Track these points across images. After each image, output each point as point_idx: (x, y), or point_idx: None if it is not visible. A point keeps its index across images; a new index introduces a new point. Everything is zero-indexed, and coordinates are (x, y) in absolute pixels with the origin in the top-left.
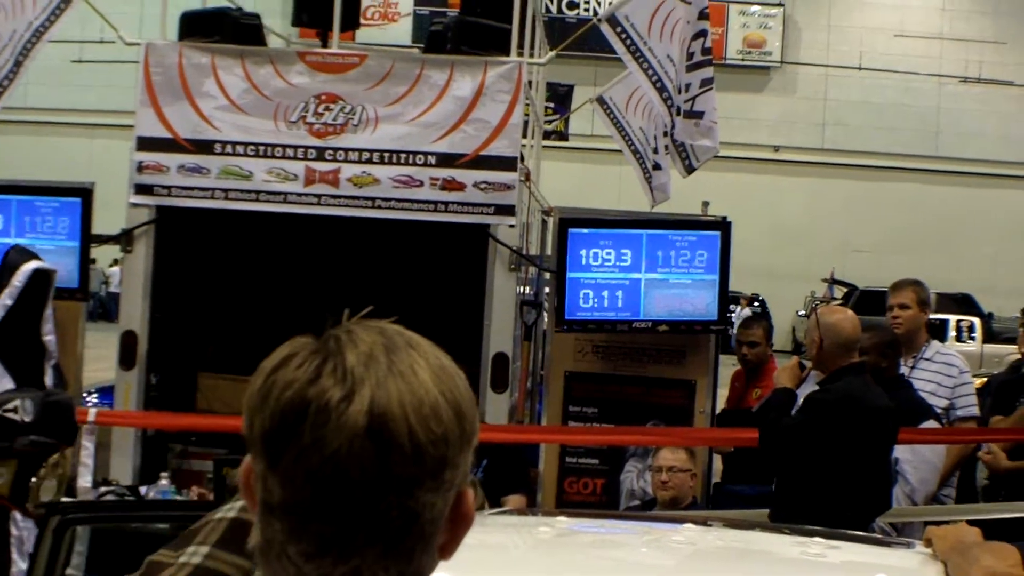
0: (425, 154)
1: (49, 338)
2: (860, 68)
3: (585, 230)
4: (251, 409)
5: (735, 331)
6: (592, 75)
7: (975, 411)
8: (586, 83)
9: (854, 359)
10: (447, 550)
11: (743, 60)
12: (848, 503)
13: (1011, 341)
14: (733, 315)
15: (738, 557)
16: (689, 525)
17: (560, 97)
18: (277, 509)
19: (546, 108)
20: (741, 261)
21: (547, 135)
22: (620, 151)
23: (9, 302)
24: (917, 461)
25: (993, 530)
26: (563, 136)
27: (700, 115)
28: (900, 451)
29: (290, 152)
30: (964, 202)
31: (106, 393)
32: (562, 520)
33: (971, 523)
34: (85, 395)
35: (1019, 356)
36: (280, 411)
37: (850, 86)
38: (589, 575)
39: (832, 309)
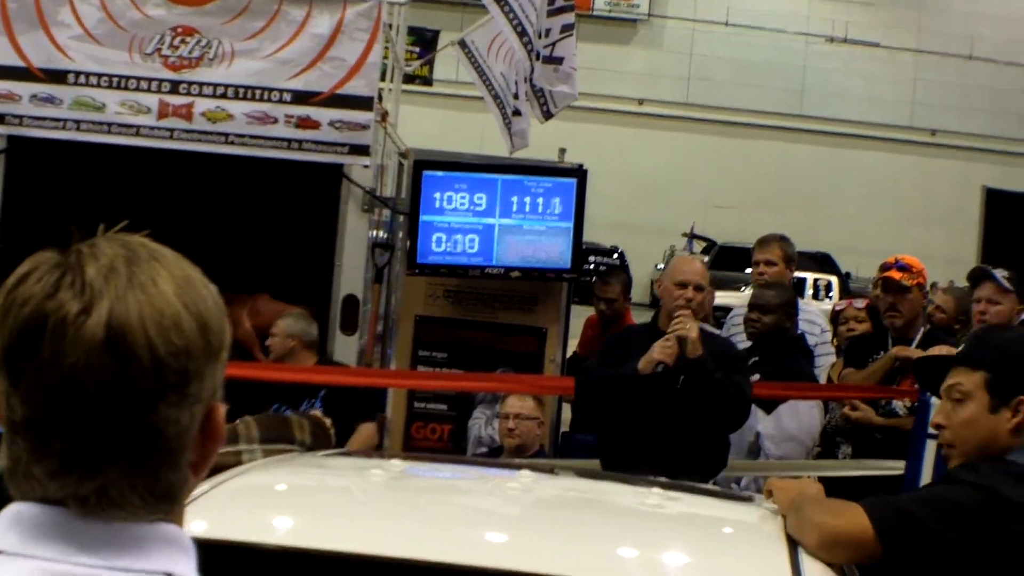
0: (280, 91)
1: None
2: (727, 24)
3: (439, 173)
4: None
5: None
6: (459, 21)
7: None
8: (452, 29)
9: None
10: (199, 467)
11: (610, 12)
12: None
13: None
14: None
15: (573, 505)
16: (526, 472)
17: (426, 42)
18: (20, 427)
19: (411, 53)
20: (601, 213)
21: (411, 80)
22: (483, 98)
23: None
24: (780, 437)
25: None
26: (427, 82)
27: (560, 61)
28: (764, 426)
29: (144, 85)
30: (827, 162)
31: None
32: (397, 463)
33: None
34: None
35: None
36: (19, 327)
37: (717, 42)
38: (421, 519)
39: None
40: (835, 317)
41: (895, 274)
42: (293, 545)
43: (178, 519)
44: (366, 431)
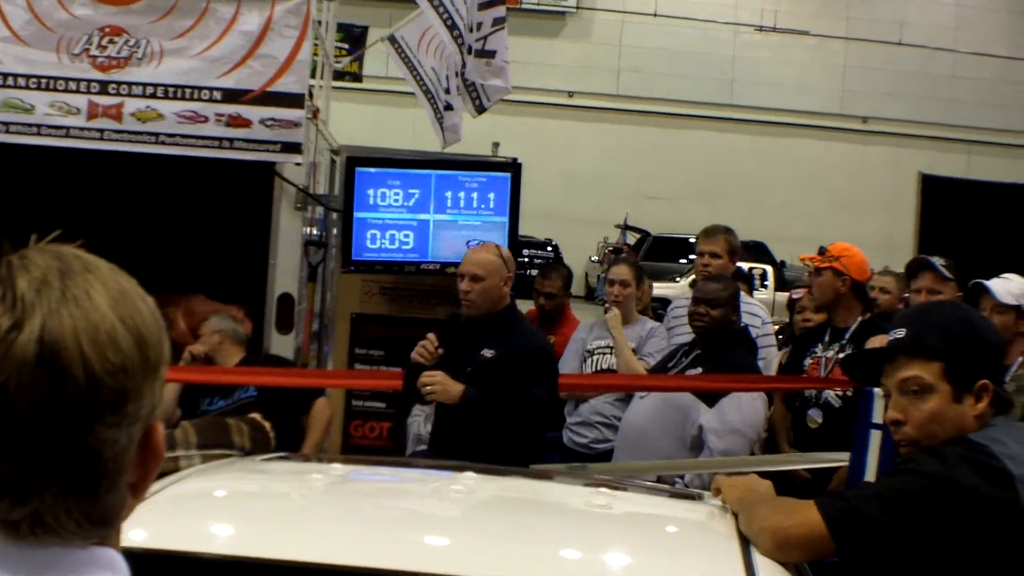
0: (211, 89)
1: None
2: (656, 15)
3: (373, 169)
4: None
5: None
6: (387, 17)
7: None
8: (381, 25)
9: None
10: (139, 488)
11: (539, 4)
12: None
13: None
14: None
15: (519, 507)
16: (470, 473)
17: (354, 38)
18: None
19: (340, 50)
20: (534, 205)
21: (341, 76)
22: (414, 93)
23: None
24: (723, 430)
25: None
26: (357, 78)
27: (492, 54)
28: (707, 419)
29: (73, 85)
30: (758, 151)
31: None
32: (338, 467)
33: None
34: None
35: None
36: None
37: (646, 33)
38: (366, 524)
39: None
40: (791, 305)
41: (814, 257)
42: (234, 554)
43: (115, 542)
44: (321, 405)
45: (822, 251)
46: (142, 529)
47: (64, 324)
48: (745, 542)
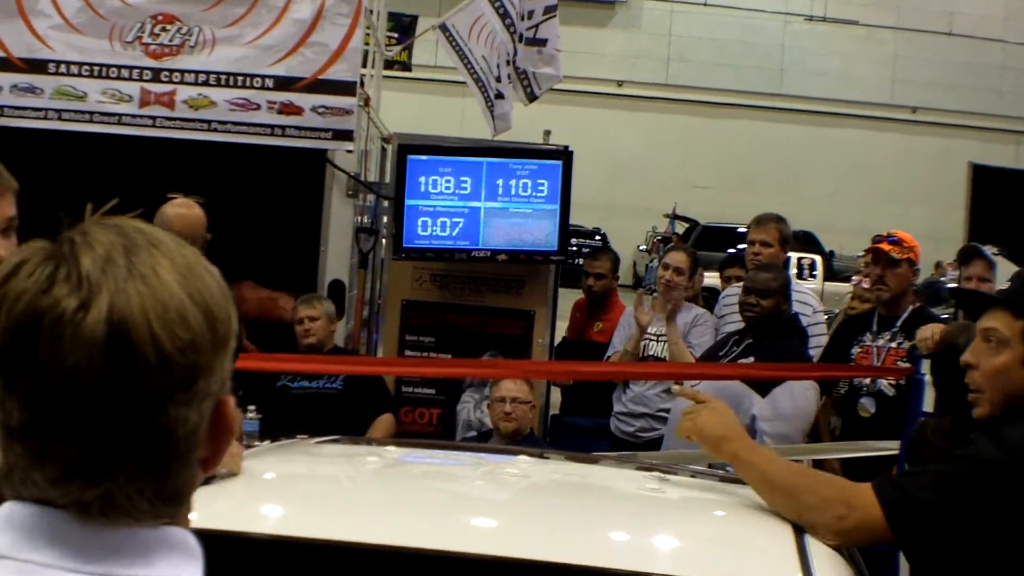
0: (263, 77)
1: None
2: (705, 4)
3: (424, 157)
4: None
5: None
6: (437, 6)
7: None
8: (431, 14)
9: None
10: (210, 464)
11: None
12: None
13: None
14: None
15: (573, 490)
16: (523, 457)
17: (404, 27)
18: (17, 432)
19: (389, 39)
20: (582, 195)
21: (390, 66)
22: (463, 82)
23: None
24: (775, 418)
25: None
26: (406, 67)
27: (543, 43)
28: (760, 408)
29: (125, 73)
30: (807, 140)
31: None
32: (392, 450)
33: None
34: None
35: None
36: (12, 326)
37: (695, 22)
38: (419, 508)
39: None
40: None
41: (885, 246)
42: (286, 534)
43: (184, 518)
44: (386, 421)
45: (892, 241)
46: (194, 510)
47: (132, 303)
48: (798, 527)
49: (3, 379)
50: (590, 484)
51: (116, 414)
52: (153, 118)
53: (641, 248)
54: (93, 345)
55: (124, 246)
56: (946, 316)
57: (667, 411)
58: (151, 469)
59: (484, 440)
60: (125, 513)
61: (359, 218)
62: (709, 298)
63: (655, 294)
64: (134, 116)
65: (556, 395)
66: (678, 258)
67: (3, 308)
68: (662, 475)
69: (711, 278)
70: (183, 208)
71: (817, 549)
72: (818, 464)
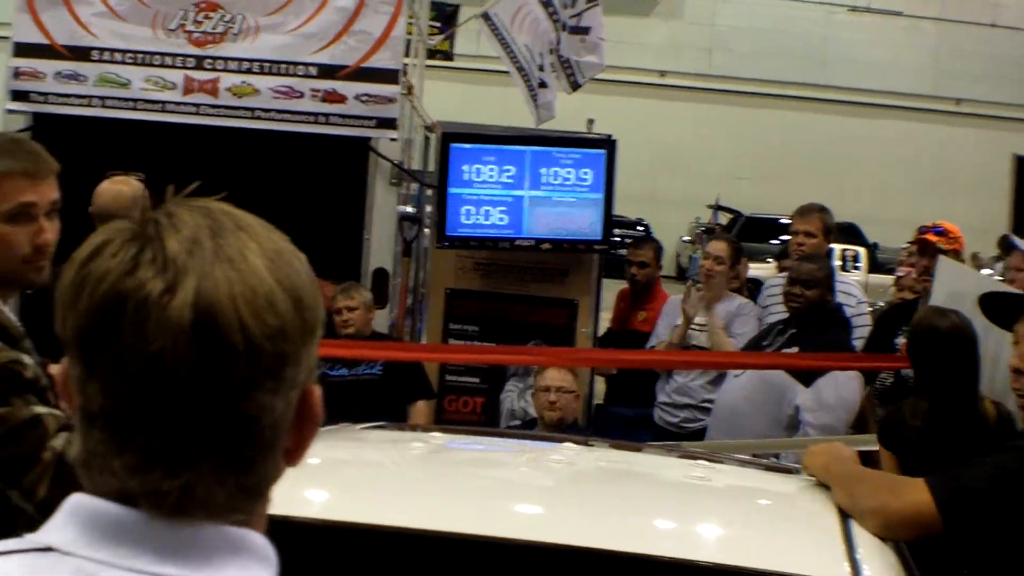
0: (306, 65)
1: None
2: None
3: (467, 145)
4: (64, 305)
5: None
6: None
7: None
8: (473, 3)
9: None
10: (294, 455)
11: None
12: None
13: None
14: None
15: (619, 478)
16: (569, 444)
17: (446, 16)
18: (98, 418)
19: (432, 28)
20: (624, 185)
21: (432, 55)
22: (505, 71)
23: None
24: (819, 409)
25: None
26: (448, 56)
27: (587, 31)
28: (804, 399)
29: (168, 60)
30: (850, 131)
31: None
32: (438, 436)
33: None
34: None
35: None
36: (95, 308)
37: (737, 12)
38: (465, 494)
39: None
40: (896, 284)
41: (932, 237)
42: (331, 519)
43: (261, 517)
44: (423, 409)
45: (938, 231)
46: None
47: (220, 287)
48: (844, 516)
49: (84, 363)
50: (636, 472)
51: (201, 401)
52: (197, 106)
53: (684, 239)
54: (179, 330)
55: (211, 228)
56: None
57: (711, 401)
58: (234, 459)
59: (528, 429)
60: (202, 506)
61: (403, 206)
62: (754, 289)
63: (699, 285)
64: (178, 104)
65: (600, 385)
66: (719, 247)
67: (85, 289)
68: (709, 463)
69: (756, 269)
70: (118, 184)
71: (863, 538)
72: (865, 455)
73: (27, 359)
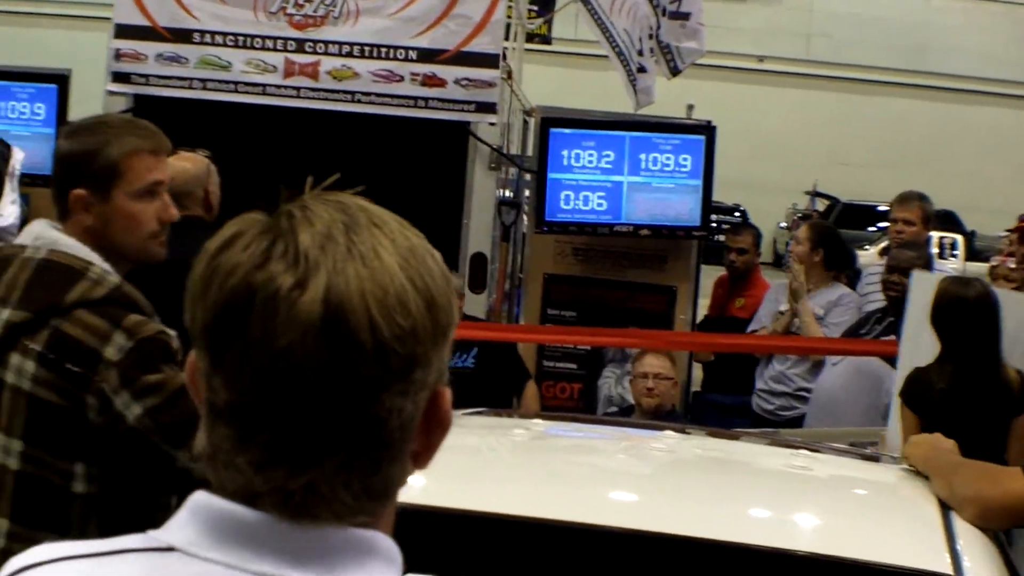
0: (406, 49)
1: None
2: None
3: (567, 130)
4: (192, 298)
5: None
6: None
7: None
8: None
9: None
10: (422, 458)
11: None
12: None
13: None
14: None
15: (718, 466)
16: (669, 432)
17: (544, 0)
18: (223, 412)
19: (530, 12)
20: (721, 171)
21: (530, 38)
22: (603, 55)
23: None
24: None
25: None
26: (546, 40)
27: (686, 16)
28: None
29: (269, 43)
30: (949, 118)
31: None
32: (538, 423)
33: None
34: None
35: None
36: (223, 300)
37: None
38: (565, 481)
39: None
40: (991, 273)
41: None
42: (430, 504)
43: (388, 519)
44: (533, 389)
45: None
46: None
47: (351, 284)
48: (944, 507)
49: (211, 356)
50: (734, 460)
51: (327, 400)
52: (297, 88)
53: (781, 225)
54: (308, 326)
55: (345, 223)
56: None
57: (807, 390)
58: (361, 460)
59: (625, 416)
60: (328, 507)
61: (501, 191)
62: (852, 276)
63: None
64: (278, 87)
65: (697, 371)
66: (800, 231)
67: (215, 281)
68: (810, 453)
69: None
70: (183, 161)
71: (963, 529)
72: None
73: (170, 331)
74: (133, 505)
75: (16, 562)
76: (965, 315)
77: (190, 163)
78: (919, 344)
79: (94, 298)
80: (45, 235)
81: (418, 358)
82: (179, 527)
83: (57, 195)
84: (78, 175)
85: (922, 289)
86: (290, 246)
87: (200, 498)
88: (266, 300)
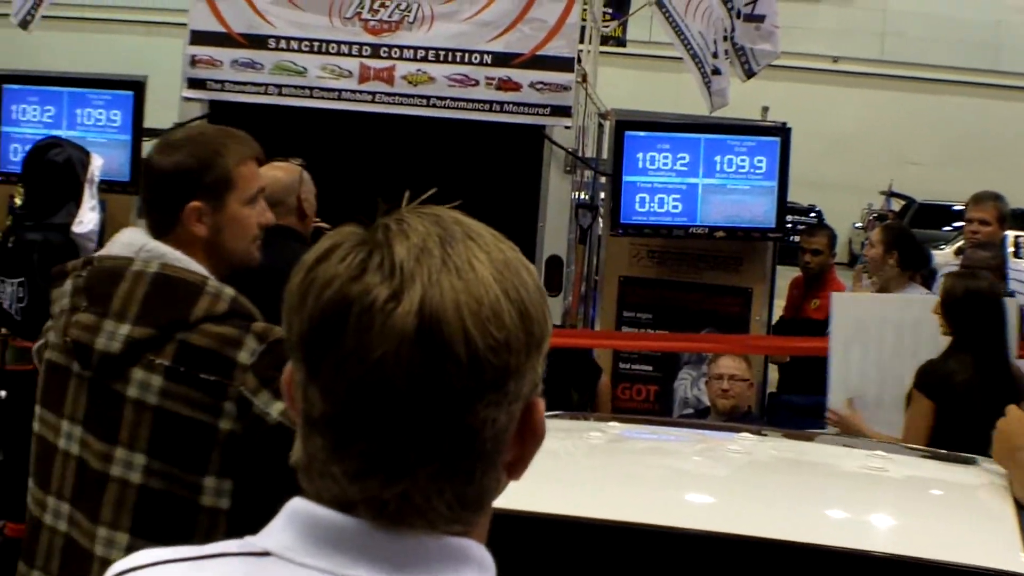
0: (481, 53)
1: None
2: None
3: (642, 133)
4: (290, 309)
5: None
6: None
7: None
8: None
9: None
10: (516, 469)
11: None
12: None
13: None
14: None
15: (795, 468)
16: (745, 434)
17: (618, 3)
18: (319, 423)
19: (605, 14)
20: (796, 171)
21: (605, 41)
22: (677, 58)
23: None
24: None
25: None
26: (621, 43)
27: (761, 18)
28: None
29: (344, 49)
30: (1023, 118)
31: None
32: (615, 426)
33: None
34: None
35: None
36: (319, 312)
37: None
38: (641, 483)
39: None
40: None
41: None
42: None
43: (482, 529)
44: (607, 382)
45: None
46: None
47: (446, 296)
48: (1021, 507)
49: (307, 367)
50: (811, 462)
51: (421, 411)
52: (373, 94)
53: (856, 226)
54: (402, 338)
55: (440, 236)
56: None
57: None
58: (454, 470)
59: (701, 418)
60: (422, 516)
61: (577, 194)
62: (928, 276)
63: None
64: (354, 92)
65: (773, 373)
66: (873, 233)
67: (311, 292)
68: (886, 453)
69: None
70: (275, 170)
71: None
72: None
73: None
74: (258, 517)
75: (118, 566)
76: (981, 306)
77: (282, 172)
78: (849, 360)
79: (219, 312)
80: (151, 247)
81: (512, 370)
82: (276, 532)
83: (163, 208)
84: (193, 187)
85: (843, 309)
86: (386, 258)
87: (297, 504)
88: (361, 312)
